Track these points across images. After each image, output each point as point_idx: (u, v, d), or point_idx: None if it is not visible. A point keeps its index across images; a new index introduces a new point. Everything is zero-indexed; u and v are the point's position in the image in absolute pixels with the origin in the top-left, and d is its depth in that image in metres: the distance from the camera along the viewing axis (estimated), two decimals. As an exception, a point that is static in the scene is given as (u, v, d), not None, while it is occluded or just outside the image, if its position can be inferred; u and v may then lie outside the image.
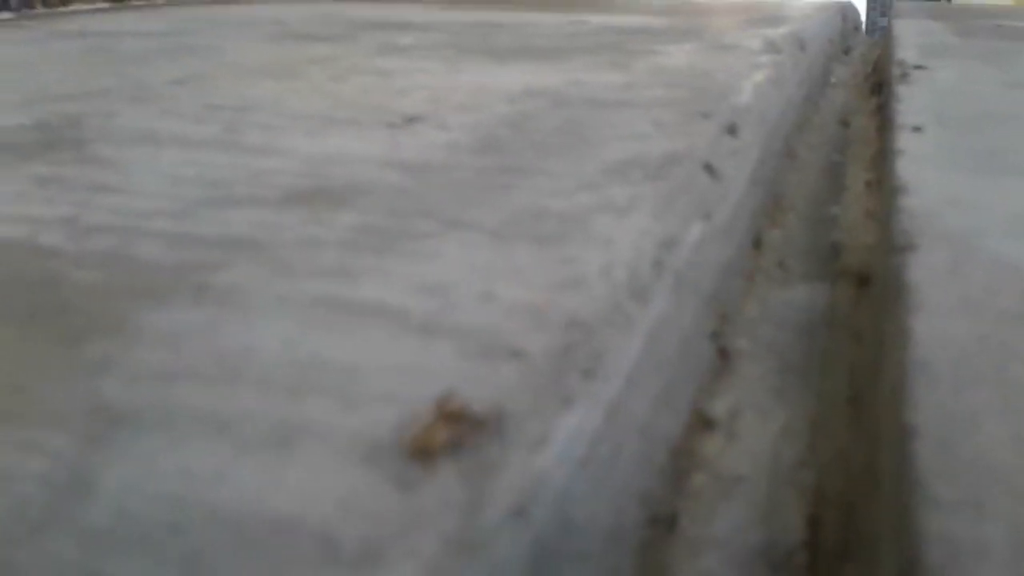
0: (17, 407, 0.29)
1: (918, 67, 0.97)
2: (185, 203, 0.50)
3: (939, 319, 0.35)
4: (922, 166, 0.55)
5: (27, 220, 0.47)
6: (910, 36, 1.28)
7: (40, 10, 1.77)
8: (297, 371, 0.32)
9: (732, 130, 0.68)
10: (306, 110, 0.73)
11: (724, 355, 0.54)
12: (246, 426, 0.28)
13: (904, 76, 0.91)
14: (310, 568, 0.23)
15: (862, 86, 1.37)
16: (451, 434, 0.27)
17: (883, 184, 0.60)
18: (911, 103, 0.71)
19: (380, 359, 0.32)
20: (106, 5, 1.83)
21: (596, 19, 1.51)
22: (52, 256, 0.42)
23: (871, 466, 0.33)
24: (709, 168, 0.58)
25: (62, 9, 1.79)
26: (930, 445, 0.27)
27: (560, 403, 0.31)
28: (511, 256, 0.42)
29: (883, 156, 0.72)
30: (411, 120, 0.70)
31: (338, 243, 0.44)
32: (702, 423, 0.47)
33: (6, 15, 1.70)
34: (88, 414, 0.29)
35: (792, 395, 0.51)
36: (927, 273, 0.39)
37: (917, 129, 0.63)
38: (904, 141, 0.60)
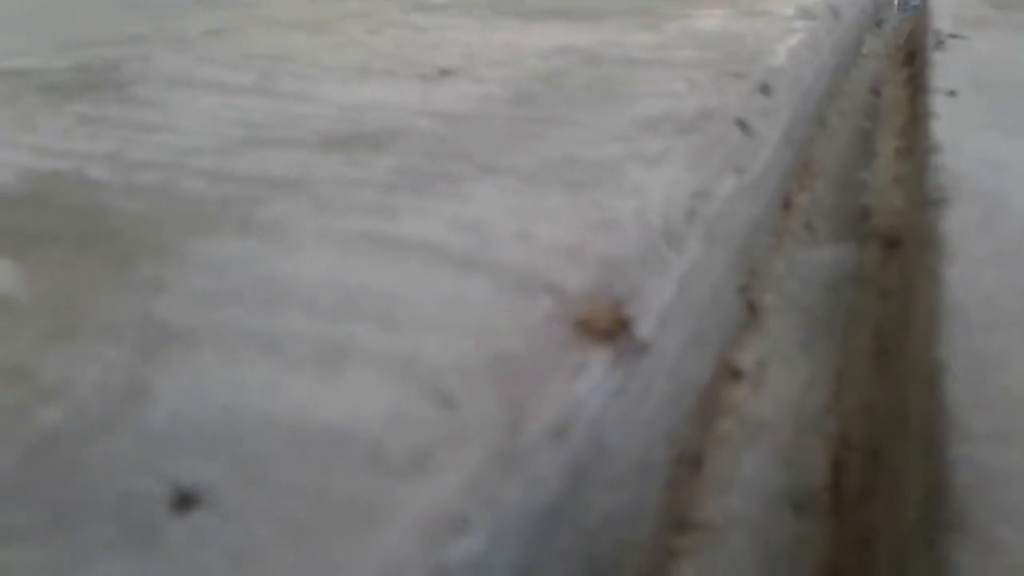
0: (74, 321, 0.30)
1: (954, 36, 0.96)
2: (226, 143, 0.51)
3: (970, 268, 0.35)
4: (956, 128, 0.55)
5: (73, 155, 0.48)
6: (946, 7, 1.26)
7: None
8: (342, 297, 0.33)
9: (765, 89, 0.68)
10: (340, 61, 0.74)
11: (752, 309, 0.55)
12: (294, 345, 0.29)
13: (940, 44, 0.90)
14: (360, 472, 0.24)
15: (894, 57, 1.36)
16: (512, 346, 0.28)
17: (916, 145, 0.60)
18: (946, 68, 0.71)
19: (421, 289, 0.33)
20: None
21: (627, -17, 1.50)
22: (99, 188, 0.43)
23: (899, 407, 0.33)
24: (742, 124, 0.59)
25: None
26: (960, 381, 0.28)
27: (596, 337, 0.31)
28: (545, 199, 0.43)
29: (916, 120, 0.72)
30: (445, 73, 0.70)
31: (376, 183, 0.45)
32: (729, 372, 0.48)
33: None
34: (142, 330, 0.30)
35: (818, 348, 0.52)
36: (959, 226, 0.39)
37: (952, 93, 0.63)
38: (939, 104, 0.60)
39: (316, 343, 0.29)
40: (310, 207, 0.41)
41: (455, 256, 0.36)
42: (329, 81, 0.67)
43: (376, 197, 0.43)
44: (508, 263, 0.36)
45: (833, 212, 0.72)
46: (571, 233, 0.39)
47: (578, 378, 0.29)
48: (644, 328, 0.35)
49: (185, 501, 0.22)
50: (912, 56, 1.20)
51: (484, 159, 0.49)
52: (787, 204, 0.69)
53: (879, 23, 1.67)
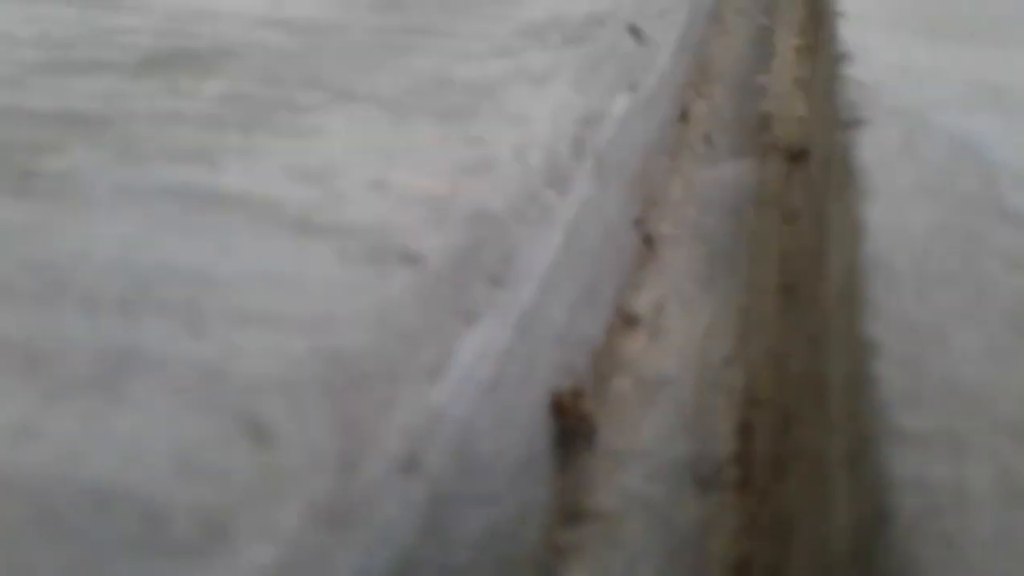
0: None
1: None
2: (16, 69, 0.41)
3: (895, 206, 0.31)
4: (866, 29, 0.50)
5: None
6: None
7: None
8: (136, 284, 0.25)
9: (659, -12, 0.61)
10: (175, -42, 0.63)
11: (648, 242, 0.50)
12: (63, 362, 0.22)
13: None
14: (124, 560, 0.17)
15: (791, -56, 1.30)
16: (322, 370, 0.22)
17: (821, 48, 0.55)
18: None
19: (240, 266, 0.27)
20: None
21: None
22: None
23: (816, 376, 0.29)
24: (635, 31, 0.52)
25: None
26: (894, 363, 0.23)
27: (462, 320, 0.25)
28: (409, 134, 0.36)
29: (818, 18, 0.67)
30: (298, -28, 0.61)
31: (199, 118, 0.37)
32: (625, 320, 0.43)
33: None
34: None
35: (720, 285, 0.47)
36: (879, 152, 0.35)
37: (859, -11, 0.58)
38: (845, 1, 0.55)
39: (93, 357, 0.22)
40: (112, 154, 0.33)
41: (290, 216, 0.29)
42: (158, -16, 0.57)
43: (196, 136, 0.35)
44: (357, 223, 0.29)
45: (733, 123, 0.67)
46: (437, 180, 0.32)
47: (437, 380, 0.23)
48: (523, 296, 0.29)
49: None
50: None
51: (338, 82, 0.41)
52: (684, 116, 0.64)
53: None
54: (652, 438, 0.36)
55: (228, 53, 0.44)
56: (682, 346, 0.42)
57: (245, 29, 0.48)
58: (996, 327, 0.25)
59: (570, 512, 0.32)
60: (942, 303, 0.26)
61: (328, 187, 0.31)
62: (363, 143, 0.35)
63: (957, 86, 0.42)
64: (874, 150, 0.35)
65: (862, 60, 0.45)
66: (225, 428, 0.20)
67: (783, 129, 0.65)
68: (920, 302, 0.26)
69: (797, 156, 0.60)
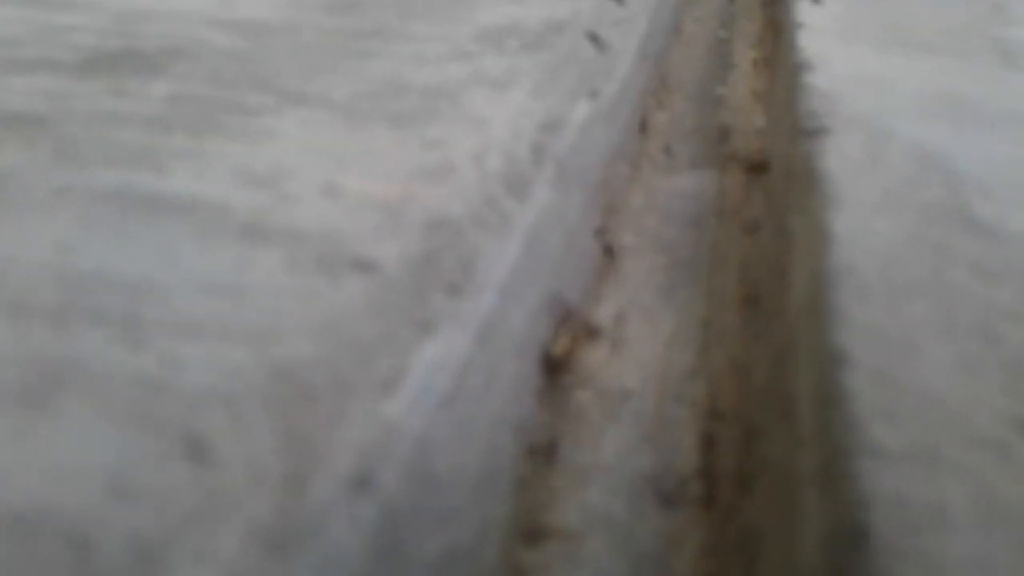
0: None
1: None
2: (-52, 65, 0.39)
3: (861, 215, 0.30)
4: (826, 40, 0.50)
5: None
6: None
7: None
8: (72, 291, 0.24)
9: (619, -3, 0.61)
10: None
11: (609, 252, 0.49)
12: (-16, 373, 0.21)
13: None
14: (54, 589, 0.16)
15: (747, -41, 1.31)
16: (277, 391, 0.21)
17: (780, 59, 0.55)
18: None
19: (184, 273, 0.25)
20: None
21: None
22: None
23: (782, 389, 0.28)
24: (595, 38, 0.52)
25: None
26: (865, 375, 0.23)
27: (418, 330, 0.24)
28: (364, 138, 0.35)
29: (777, 30, 0.67)
30: (251, -27, 0.59)
31: (144, 119, 0.35)
32: (586, 331, 0.42)
33: None
34: None
35: (681, 296, 0.46)
36: (842, 161, 0.34)
37: (817, 1, 0.58)
38: (804, 13, 0.55)
39: (20, 369, 0.21)
40: (51, 155, 0.32)
41: (238, 221, 0.28)
42: (104, -18, 0.55)
43: (141, 138, 0.33)
44: (307, 229, 0.28)
45: (692, 133, 0.67)
46: (392, 185, 0.31)
47: (392, 393, 0.22)
48: (483, 305, 0.28)
49: None
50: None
51: (289, 85, 0.40)
52: (644, 126, 0.63)
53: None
54: (614, 453, 0.35)
55: (176, 54, 0.42)
56: (644, 358, 0.41)
57: (194, 29, 0.46)
58: (967, 337, 0.24)
59: (529, 531, 0.30)
60: (911, 313, 0.25)
61: (277, 191, 0.30)
62: (315, 147, 0.34)
63: (916, 95, 0.42)
64: (837, 159, 0.35)
65: (821, 69, 0.45)
66: (163, 445, 0.19)
67: (742, 141, 0.65)
68: (889, 312, 0.25)
69: (756, 167, 0.60)
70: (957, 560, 0.18)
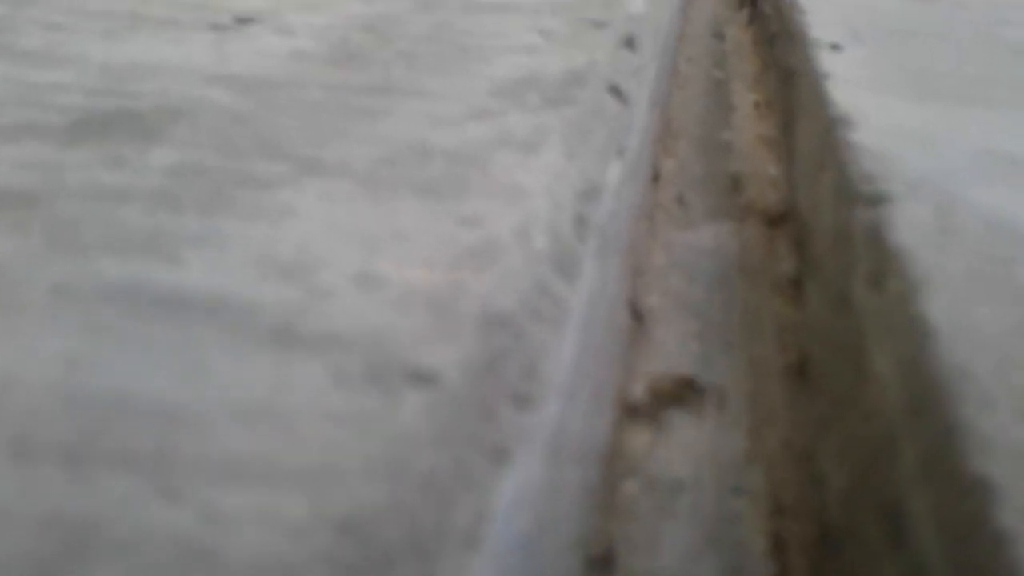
0: None
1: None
2: (-78, 133, 0.35)
3: (954, 299, 0.27)
4: (856, 92, 0.47)
5: None
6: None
7: None
8: (86, 421, 0.20)
9: (630, 43, 0.58)
10: (104, 4, 0.57)
11: (638, 317, 0.46)
12: (-11, 545, 0.17)
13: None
14: None
15: (730, -5, 1.31)
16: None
17: (804, 111, 0.53)
18: (819, 16, 0.64)
19: (215, 395, 0.21)
20: None
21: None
22: None
23: (881, 499, 0.25)
24: (616, 90, 0.49)
25: None
26: (1019, 515, 0.19)
27: (492, 458, 0.21)
28: (393, 214, 0.32)
29: (788, 75, 0.65)
30: (243, 20, 0.56)
31: (149, 194, 0.31)
32: (626, 411, 0.39)
33: None
34: None
35: (718, 365, 0.44)
36: (916, 233, 0.32)
37: (836, 47, 0.56)
38: (827, 62, 0.53)
39: (33, 534, 0.17)
40: (45, 242, 0.28)
41: (268, 324, 0.24)
42: (87, 34, 0.51)
43: (147, 219, 0.30)
44: (349, 331, 0.24)
45: (703, 183, 0.65)
46: (435, 272, 0.28)
47: (476, 548, 0.19)
48: (550, 414, 0.25)
49: None
50: (750, -4, 1.14)
51: (301, 151, 0.36)
52: (656, 176, 0.61)
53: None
54: (675, 557, 0.32)
55: (174, 114, 0.39)
56: (690, 442, 0.38)
57: (190, 86, 0.43)
58: (1115, 456, 0.21)
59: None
60: (1047, 425, 0.22)
61: (309, 284, 0.26)
62: (341, 226, 0.30)
63: (970, 155, 0.40)
64: (910, 231, 0.32)
65: (861, 125, 0.42)
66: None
67: (756, 190, 0.63)
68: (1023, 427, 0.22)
69: (777, 220, 0.58)
70: None
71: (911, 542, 0.23)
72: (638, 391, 0.40)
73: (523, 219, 0.32)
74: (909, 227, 0.32)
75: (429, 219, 0.31)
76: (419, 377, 0.23)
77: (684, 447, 0.38)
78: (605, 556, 0.31)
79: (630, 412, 0.39)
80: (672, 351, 0.44)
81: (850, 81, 0.49)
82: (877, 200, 0.35)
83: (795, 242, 0.51)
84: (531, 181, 0.35)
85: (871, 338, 0.30)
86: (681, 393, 0.41)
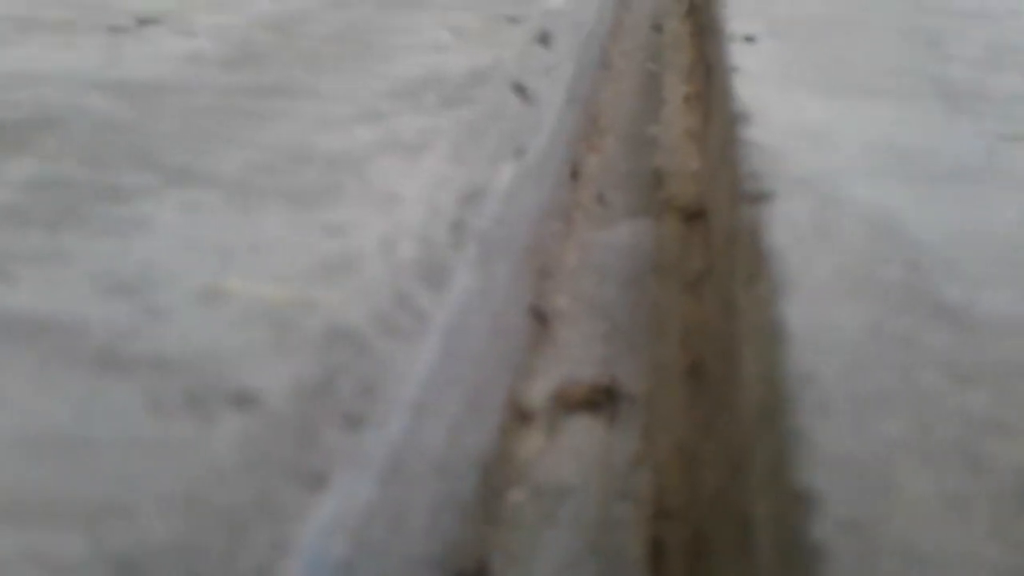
0: None
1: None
2: None
3: (815, 303, 0.27)
4: (762, 86, 0.47)
5: None
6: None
7: None
8: None
9: (544, 39, 0.57)
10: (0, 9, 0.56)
11: (542, 320, 0.45)
12: None
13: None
14: None
15: (674, -14, 1.30)
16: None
17: (715, 105, 0.52)
18: (739, 7, 0.64)
19: (14, 425, 0.20)
20: None
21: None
22: None
23: (736, 506, 0.25)
24: (520, 88, 0.48)
25: None
26: (838, 526, 0.19)
27: (307, 485, 0.20)
28: (255, 224, 0.31)
29: (709, 68, 0.64)
30: (144, 22, 0.54)
31: (-5, 212, 0.30)
32: (518, 415, 0.38)
33: None
34: None
35: (622, 367, 0.43)
36: (790, 234, 0.31)
37: (750, 39, 0.55)
38: (738, 55, 0.52)
39: None
40: None
41: (93, 346, 0.23)
42: (-26, 39, 0.49)
43: (-12, 238, 0.29)
44: (178, 353, 0.23)
45: (626, 179, 0.64)
46: (284, 287, 0.27)
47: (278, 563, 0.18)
48: (391, 433, 0.24)
49: None
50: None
51: (175, 159, 0.35)
52: (575, 174, 0.60)
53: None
54: (554, 564, 0.31)
55: (45, 124, 0.37)
56: (582, 446, 0.37)
57: (71, 94, 0.41)
58: (947, 465, 0.21)
59: None
60: (884, 434, 0.22)
61: (146, 303, 0.25)
62: (196, 239, 0.29)
63: (862, 150, 0.39)
64: (785, 231, 0.31)
65: (760, 121, 0.42)
66: None
67: (678, 186, 0.62)
68: (858, 434, 0.22)
69: (694, 216, 0.57)
70: None
71: (754, 552, 0.22)
72: (534, 396, 0.40)
73: (392, 228, 0.31)
74: (784, 227, 0.32)
75: (292, 230, 0.30)
76: (241, 400, 0.22)
77: (576, 452, 0.37)
78: (477, 568, 0.30)
79: (523, 418, 0.38)
80: (576, 354, 0.44)
81: (757, 75, 0.49)
82: (760, 198, 0.34)
83: (705, 240, 0.50)
84: (409, 187, 0.34)
85: (743, 341, 0.29)
86: (579, 397, 0.40)
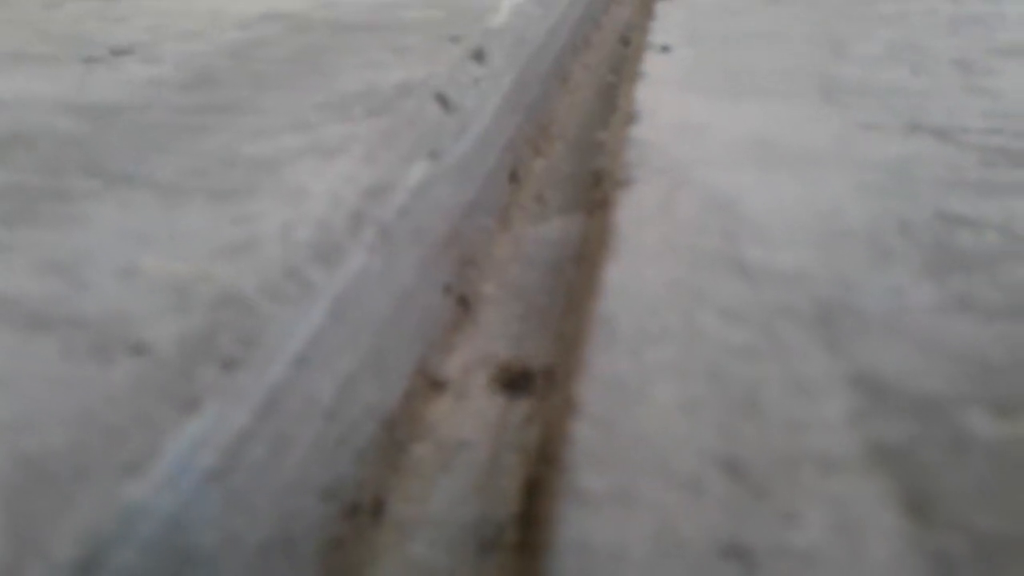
0: None
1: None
2: None
3: (633, 265, 0.32)
4: (661, 90, 0.52)
5: None
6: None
7: None
8: None
9: (479, 56, 0.63)
10: (-9, 44, 0.62)
11: (465, 304, 0.51)
12: None
13: (670, -9, 0.89)
14: None
15: (646, 1, 1.36)
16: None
17: (619, 109, 0.57)
18: (668, 21, 0.69)
19: (-46, 369, 0.26)
20: None
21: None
22: None
23: (551, 438, 0.30)
24: (442, 99, 0.53)
25: None
26: (590, 423, 0.24)
27: (180, 409, 0.25)
28: (177, 216, 0.36)
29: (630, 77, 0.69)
30: (118, 53, 0.61)
31: (-40, 213, 0.36)
32: (431, 385, 0.44)
33: None
34: None
35: (530, 343, 0.48)
36: (636, 212, 0.36)
37: (665, 49, 0.61)
38: (650, 63, 0.57)
39: None
40: None
41: (24, 312, 0.29)
42: (-36, 72, 0.56)
43: (-49, 233, 0.34)
44: (91, 315, 0.29)
45: (568, 180, 0.69)
46: (189, 264, 0.32)
47: (135, 475, 0.23)
48: (269, 376, 0.29)
49: None
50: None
51: (119, 167, 0.41)
52: (515, 176, 0.66)
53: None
54: (443, 505, 0.37)
55: (13, 142, 0.43)
56: (486, 408, 0.43)
57: (39, 115, 0.47)
58: (696, 380, 0.26)
59: (340, 589, 0.31)
60: (652, 359, 0.27)
61: (72, 278, 0.31)
62: (125, 230, 0.35)
63: (729, 142, 0.44)
64: (632, 210, 0.36)
65: (647, 120, 0.47)
66: None
67: (611, 184, 0.68)
68: (631, 359, 0.27)
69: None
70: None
71: (555, 465, 0.27)
72: (449, 368, 0.45)
73: (294, 216, 0.37)
74: (630, 207, 0.37)
75: (207, 220, 0.36)
76: (137, 349, 0.27)
77: (479, 415, 0.42)
78: (373, 503, 0.35)
79: (435, 386, 0.43)
80: (493, 332, 0.49)
81: (659, 80, 0.54)
82: (621, 184, 0.39)
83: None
84: (317, 184, 0.40)
85: (585, 300, 0.34)
86: (490, 369, 0.45)
